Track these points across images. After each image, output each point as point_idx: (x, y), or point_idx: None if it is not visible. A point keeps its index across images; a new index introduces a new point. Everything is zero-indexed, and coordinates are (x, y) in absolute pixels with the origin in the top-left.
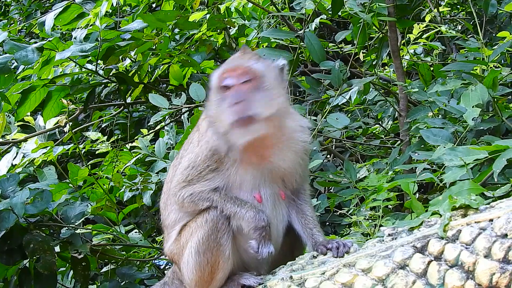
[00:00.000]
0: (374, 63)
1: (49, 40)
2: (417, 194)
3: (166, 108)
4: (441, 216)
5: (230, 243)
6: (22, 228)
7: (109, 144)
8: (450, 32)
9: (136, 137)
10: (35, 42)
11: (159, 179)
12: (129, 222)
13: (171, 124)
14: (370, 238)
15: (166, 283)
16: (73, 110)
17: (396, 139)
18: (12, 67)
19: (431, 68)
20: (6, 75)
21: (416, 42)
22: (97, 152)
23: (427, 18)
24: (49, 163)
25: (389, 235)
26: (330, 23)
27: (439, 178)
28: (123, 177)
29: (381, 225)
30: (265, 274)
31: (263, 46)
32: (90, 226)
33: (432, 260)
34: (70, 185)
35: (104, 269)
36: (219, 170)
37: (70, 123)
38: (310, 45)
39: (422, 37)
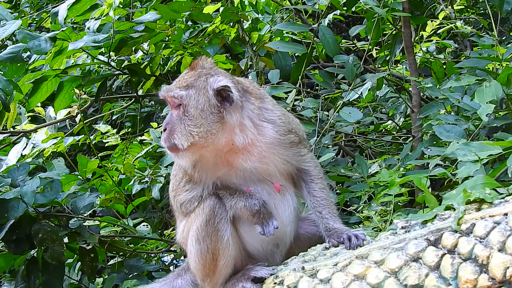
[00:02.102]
0: (387, 59)
1: (62, 30)
2: (429, 190)
3: None
4: (455, 209)
5: (228, 228)
6: (31, 217)
7: (119, 137)
8: (465, 28)
9: (146, 130)
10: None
11: (168, 172)
12: (138, 214)
13: None
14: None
15: (181, 271)
16: (85, 100)
17: (408, 135)
18: (24, 57)
19: (444, 66)
20: (18, 65)
21: (429, 40)
22: (106, 145)
23: (441, 16)
24: (58, 155)
25: (402, 227)
26: (343, 19)
27: (452, 173)
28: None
29: (392, 221)
30: (278, 264)
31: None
32: (98, 218)
33: (445, 253)
34: (79, 177)
35: (112, 262)
36: (193, 181)
37: (81, 114)
38: (324, 39)
39: (435, 34)
